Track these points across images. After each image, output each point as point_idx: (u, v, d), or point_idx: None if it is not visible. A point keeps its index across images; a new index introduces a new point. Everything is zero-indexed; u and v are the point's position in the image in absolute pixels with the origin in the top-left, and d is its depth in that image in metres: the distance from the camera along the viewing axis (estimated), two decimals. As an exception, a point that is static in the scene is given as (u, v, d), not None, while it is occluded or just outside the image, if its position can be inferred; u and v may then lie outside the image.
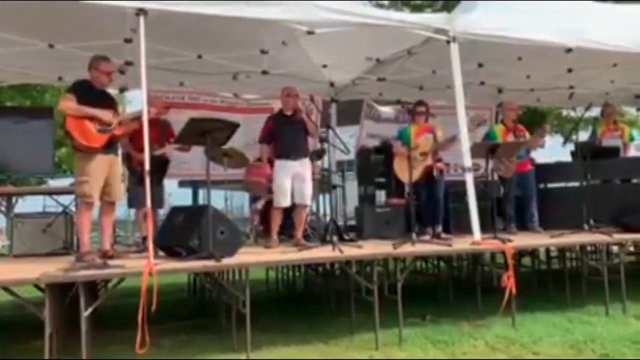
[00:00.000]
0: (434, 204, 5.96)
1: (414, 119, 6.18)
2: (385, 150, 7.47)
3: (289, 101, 5.58)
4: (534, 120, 10.62)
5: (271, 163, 5.64)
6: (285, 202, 5.41)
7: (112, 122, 4.44)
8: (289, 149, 5.43)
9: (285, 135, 5.48)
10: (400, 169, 5.92)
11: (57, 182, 8.80)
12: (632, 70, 6.86)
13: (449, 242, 5.06)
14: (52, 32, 5.11)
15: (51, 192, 6.19)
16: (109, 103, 4.57)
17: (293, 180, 5.40)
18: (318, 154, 6.86)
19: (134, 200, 5.48)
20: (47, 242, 5.40)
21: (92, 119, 4.36)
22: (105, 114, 4.41)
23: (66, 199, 5.76)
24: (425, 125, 6.12)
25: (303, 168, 5.45)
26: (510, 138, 6.38)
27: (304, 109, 5.62)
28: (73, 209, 5.66)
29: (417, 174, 5.81)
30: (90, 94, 4.43)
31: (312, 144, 7.48)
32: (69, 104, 4.32)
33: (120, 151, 5.22)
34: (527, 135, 6.59)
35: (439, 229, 5.90)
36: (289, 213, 5.73)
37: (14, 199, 5.75)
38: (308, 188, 5.46)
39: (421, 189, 5.94)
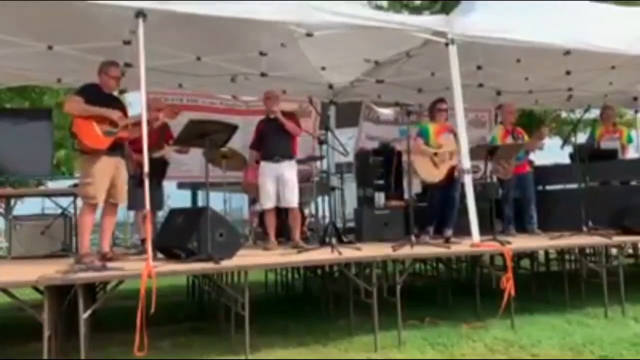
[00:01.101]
0: (450, 206, 5.80)
1: (434, 117, 6.01)
2: (384, 152, 7.48)
3: (267, 104, 5.64)
4: (532, 123, 10.63)
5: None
6: (270, 204, 5.46)
7: (121, 121, 4.46)
8: (272, 151, 5.48)
9: (269, 137, 5.54)
10: (425, 169, 5.74)
11: (56, 184, 8.79)
12: (630, 72, 6.88)
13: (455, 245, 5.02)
14: (51, 33, 5.11)
15: (50, 194, 6.18)
16: (117, 106, 4.60)
17: (277, 182, 5.43)
18: (315, 159, 6.87)
19: (134, 203, 5.47)
20: (46, 244, 5.40)
21: (99, 121, 4.39)
22: (113, 112, 4.45)
23: (65, 201, 5.76)
24: (446, 125, 5.98)
25: (285, 170, 5.47)
26: (509, 140, 6.38)
27: (278, 110, 5.56)
28: (72, 210, 5.65)
29: (442, 174, 5.72)
30: (99, 97, 4.48)
31: (311, 148, 7.52)
32: (76, 105, 4.36)
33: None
34: (526, 137, 6.59)
35: (450, 232, 5.72)
36: (287, 215, 5.73)
37: (12, 201, 5.74)
38: (291, 190, 5.46)
39: (437, 190, 5.84)
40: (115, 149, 4.51)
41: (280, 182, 5.44)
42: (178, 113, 5.28)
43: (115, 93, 4.91)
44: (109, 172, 4.47)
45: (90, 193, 4.36)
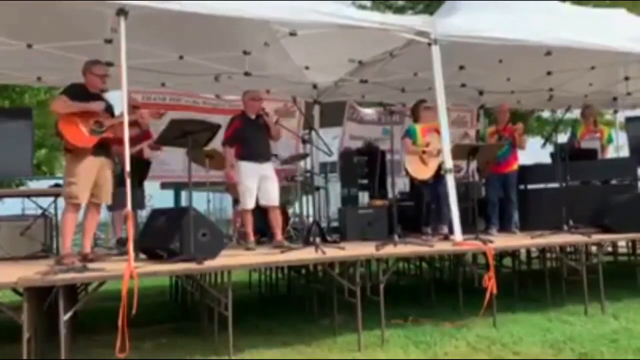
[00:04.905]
0: (440, 202, 5.78)
1: (418, 118, 6.19)
2: (368, 152, 7.50)
3: (254, 105, 5.56)
4: (513, 123, 10.70)
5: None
6: (252, 204, 5.40)
7: (106, 121, 4.42)
8: (256, 152, 5.44)
9: (252, 137, 5.47)
10: (415, 167, 5.92)
11: (36, 184, 8.68)
12: (609, 72, 6.99)
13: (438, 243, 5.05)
14: (31, 32, 5.05)
15: (30, 194, 6.09)
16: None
17: (260, 182, 5.41)
18: (300, 157, 6.87)
19: (112, 202, 5.43)
20: (26, 245, 5.31)
21: (84, 120, 4.34)
22: (97, 105, 4.40)
23: (45, 202, 5.67)
24: (431, 124, 5.96)
25: (268, 170, 5.49)
26: (494, 140, 6.41)
27: (271, 114, 5.56)
28: (52, 211, 5.58)
29: (432, 170, 5.84)
30: (85, 96, 4.42)
31: (295, 147, 7.52)
32: (61, 104, 4.32)
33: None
34: (519, 132, 6.55)
35: (445, 229, 5.71)
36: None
37: (-9, 202, 5.66)
38: (275, 188, 5.47)
39: (426, 188, 5.97)
40: (101, 148, 4.47)
41: (263, 181, 5.41)
42: (162, 114, 5.14)
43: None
44: (94, 171, 4.42)
45: (73, 193, 4.32)
